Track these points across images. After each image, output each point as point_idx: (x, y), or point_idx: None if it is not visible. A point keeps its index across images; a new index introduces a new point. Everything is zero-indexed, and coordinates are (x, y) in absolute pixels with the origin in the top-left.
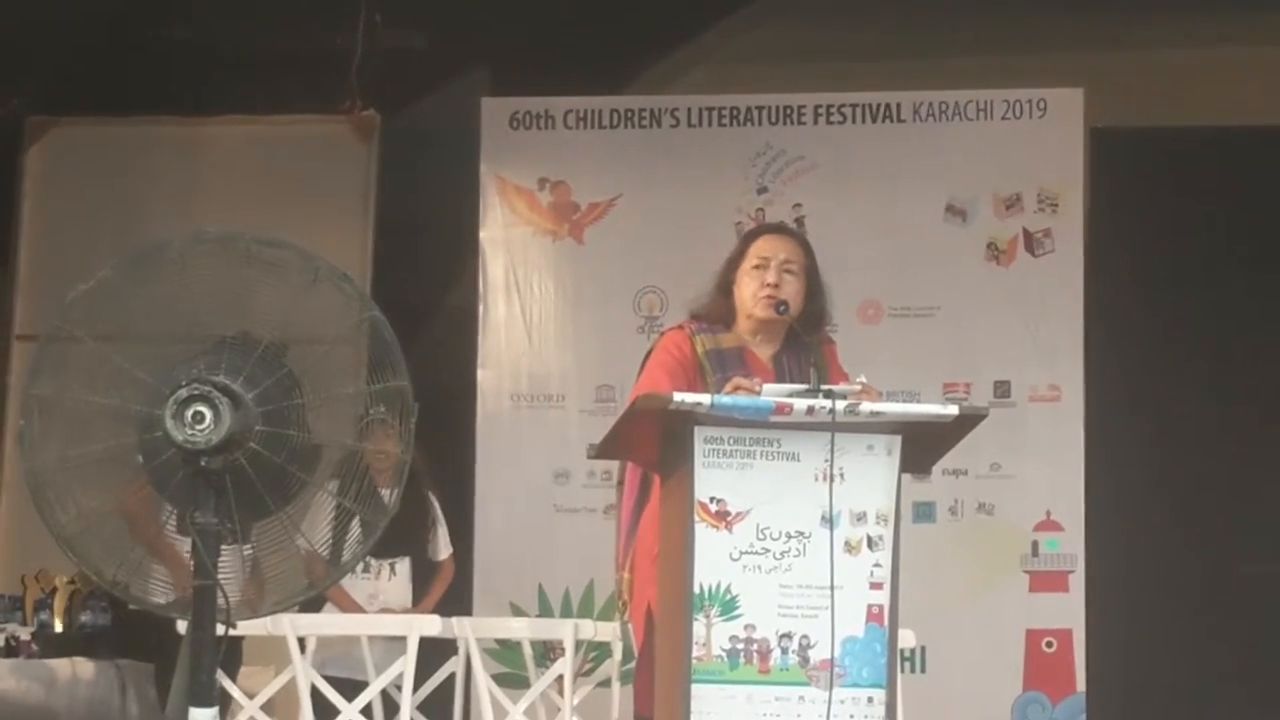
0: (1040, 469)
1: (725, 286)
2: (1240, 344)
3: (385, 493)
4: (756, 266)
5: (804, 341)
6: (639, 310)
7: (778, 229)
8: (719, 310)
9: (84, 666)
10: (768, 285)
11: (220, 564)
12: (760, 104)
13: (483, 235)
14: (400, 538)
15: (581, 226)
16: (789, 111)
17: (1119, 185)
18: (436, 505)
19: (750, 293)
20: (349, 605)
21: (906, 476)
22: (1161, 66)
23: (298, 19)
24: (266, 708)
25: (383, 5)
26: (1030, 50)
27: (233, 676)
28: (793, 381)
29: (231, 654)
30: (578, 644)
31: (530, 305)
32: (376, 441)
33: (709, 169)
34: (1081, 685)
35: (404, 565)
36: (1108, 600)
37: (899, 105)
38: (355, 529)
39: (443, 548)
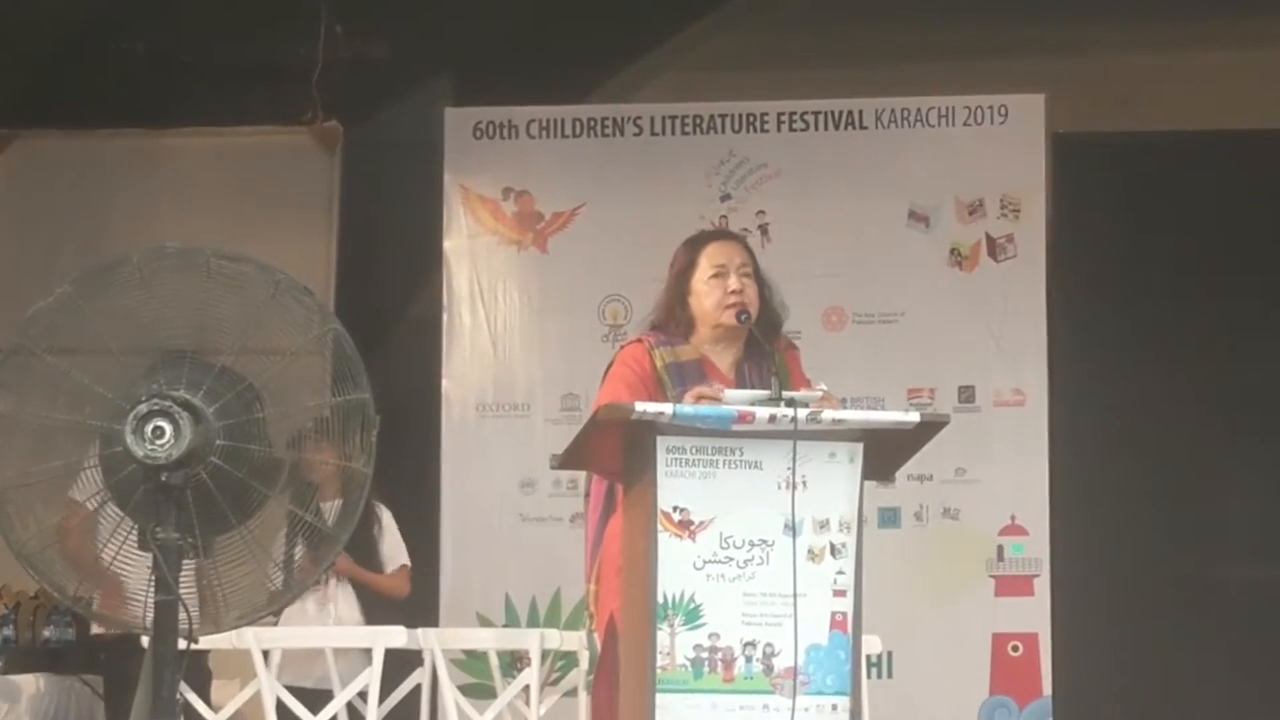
0: (1005, 473)
1: (681, 297)
2: (1203, 347)
3: (327, 505)
4: (715, 275)
5: (765, 349)
6: (603, 319)
7: (724, 235)
8: (676, 321)
9: (48, 682)
10: (732, 293)
11: (181, 579)
12: (723, 112)
13: (447, 245)
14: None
15: (545, 236)
16: (751, 119)
17: (1081, 190)
18: (386, 514)
19: (714, 301)
20: None
21: (870, 482)
22: (1122, 72)
23: (259, 30)
24: None
25: (344, 16)
26: (991, 56)
27: (205, 690)
28: (754, 389)
29: (200, 669)
30: (544, 654)
31: (495, 315)
32: (318, 452)
33: (672, 177)
34: (1048, 689)
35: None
36: (1073, 604)
37: (861, 112)
38: (314, 543)
39: (390, 558)
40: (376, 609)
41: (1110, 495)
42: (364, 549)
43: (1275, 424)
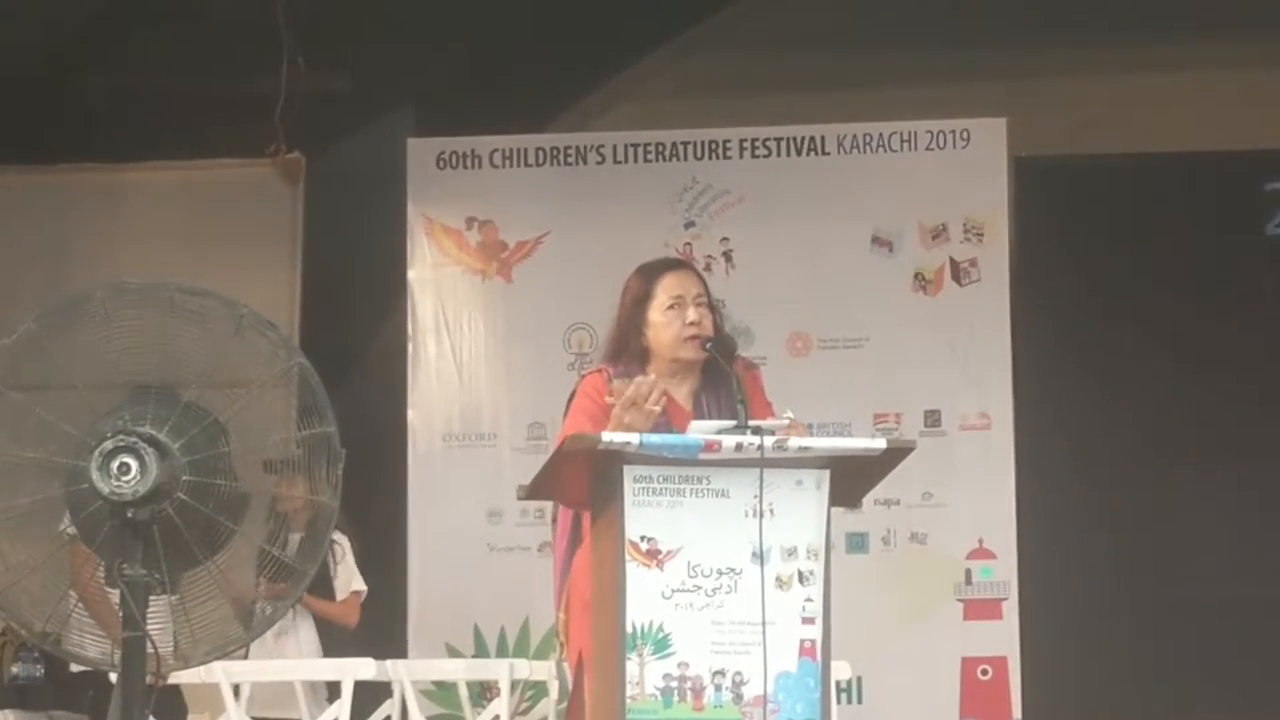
0: (972, 497)
1: (636, 327)
2: (1166, 369)
3: (295, 537)
4: (672, 307)
5: (724, 374)
6: (569, 347)
7: (678, 264)
8: (630, 352)
9: (17, 718)
10: (691, 325)
11: (150, 614)
12: (685, 139)
13: (411, 275)
14: None
15: (510, 265)
16: (714, 146)
17: (1043, 213)
18: (344, 543)
19: (673, 334)
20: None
21: (837, 509)
22: (1082, 95)
23: (220, 63)
24: None
25: (305, 48)
26: (953, 81)
27: None
28: (713, 418)
29: (172, 704)
30: (514, 684)
31: (460, 344)
32: (288, 486)
33: (636, 205)
34: (1017, 712)
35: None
36: (1042, 626)
37: (824, 138)
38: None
39: (343, 586)
40: (336, 639)
41: (1077, 518)
42: (318, 576)
43: (1242, 445)
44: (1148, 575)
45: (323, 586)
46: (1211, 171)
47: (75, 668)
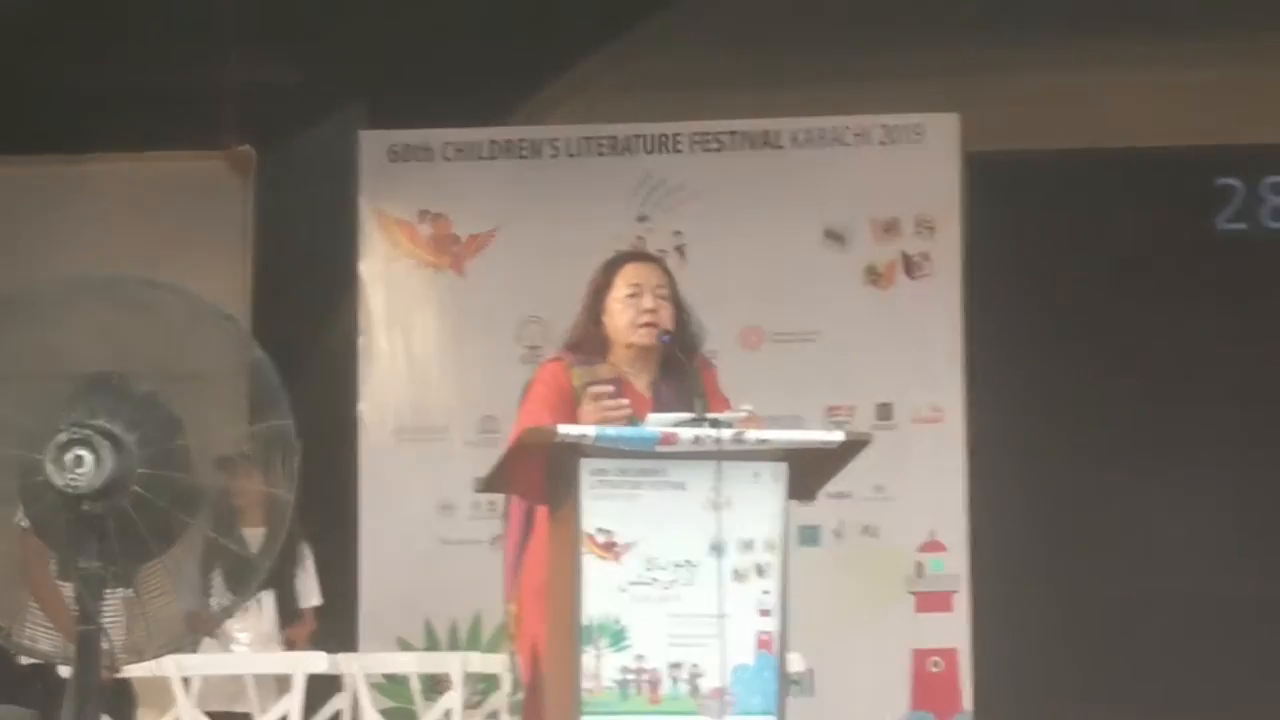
0: (923, 490)
1: (595, 316)
2: (1117, 364)
3: (250, 532)
4: (630, 295)
5: (683, 368)
6: (521, 341)
7: (642, 256)
8: (590, 341)
9: None
10: (646, 312)
11: (104, 608)
12: (638, 133)
13: (362, 269)
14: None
15: (462, 258)
16: (666, 140)
17: (995, 208)
18: (307, 551)
19: (627, 321)
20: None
21: (792, 502)
22: (1035, 91)
23: (170, 55)
24: None
25: (257, 40)
26: (905, 76)
27: (130, 717)
28: (671, 409)
29: (126, 695)
30: (465, 676)
31: (412, 338)
32: (244, 480)
33: (589, 198)
34: (968, 704)
35: (269, 599)
36: (992, 619)
37: (777, 132)
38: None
39: (306, 595)
40: None
41: (1028, 511)
42: (284, 586)
43: (1192, 440)
44: (1097, 568)
45: (287, 597)
46: (1162, 167)
47: (25, 661)
